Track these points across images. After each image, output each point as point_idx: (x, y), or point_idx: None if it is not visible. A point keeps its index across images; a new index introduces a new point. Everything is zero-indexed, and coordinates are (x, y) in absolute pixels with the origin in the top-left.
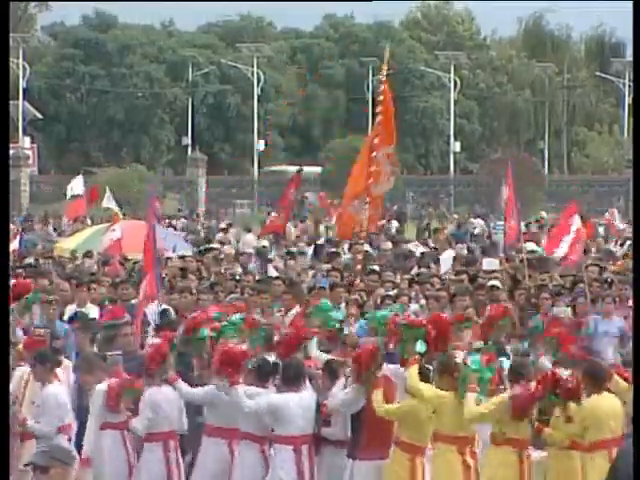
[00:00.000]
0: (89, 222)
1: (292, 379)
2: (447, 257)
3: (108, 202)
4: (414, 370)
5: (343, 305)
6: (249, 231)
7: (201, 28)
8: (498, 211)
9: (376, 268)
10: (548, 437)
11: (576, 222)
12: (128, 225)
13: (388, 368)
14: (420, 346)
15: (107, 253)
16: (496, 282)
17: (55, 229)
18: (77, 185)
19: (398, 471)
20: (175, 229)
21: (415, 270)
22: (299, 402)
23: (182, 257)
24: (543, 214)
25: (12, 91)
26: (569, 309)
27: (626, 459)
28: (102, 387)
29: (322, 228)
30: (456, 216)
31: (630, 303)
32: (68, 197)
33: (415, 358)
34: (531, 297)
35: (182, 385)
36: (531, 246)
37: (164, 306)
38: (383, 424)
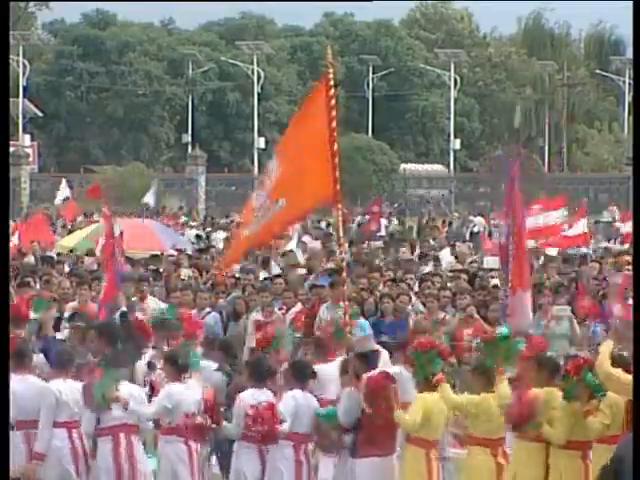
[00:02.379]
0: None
1: (299, 377)
2: (445, 255)
3: (149, 197)
4: (445, 388)
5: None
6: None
7: (201, 26)
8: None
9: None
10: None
11: (581, 225)
12: (127, 223)
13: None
14: (437, 364)
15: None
16: (497, 282)
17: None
18: (64, 190)
19: (415, 467)
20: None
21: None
22: (306, 400)
23: (179, 250)
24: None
25: (12, 89)
26: (568, 307)
27: (629, 450)
28: (52, 386)
29: (322, 225)
30: (457, 214)
31: (629, 301)
32: (58, 201)
33: (440, 377)
34: None
35: (137, 408)
36: (530, 244)
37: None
38: (380, 422)
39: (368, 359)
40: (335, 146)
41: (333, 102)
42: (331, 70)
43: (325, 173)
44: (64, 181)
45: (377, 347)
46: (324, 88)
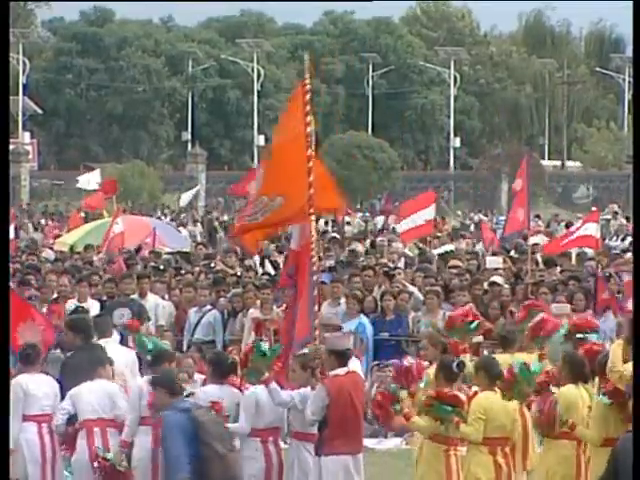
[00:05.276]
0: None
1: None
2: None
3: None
4: (464, 428)
5: (343, 300)
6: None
7: (201, 24)
8: (499, 206)
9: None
10: (579, 433)
11: (591, 228)
12: (129, 220)
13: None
14: (445, 410)
15: (110, 248)
16: (497, 278)
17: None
18: (95, 178)
19: (433, 463)
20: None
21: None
22: (268, 395)
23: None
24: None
25: (12, 86)
26: (568, 306)
27: (626, 452)
28: (19, 379)
29: (322, 223)
30: (459, 212)
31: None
32: (92, 185)
33: (457, 420)
34: (528, 293)
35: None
36: (534, 240)
37: None
38: (349, 419)
39: (341, 357)
40: (309, 151)
41: (308, 108)
42: (307, 77)
43: (304, 179)
44: (98, 170)
45: (351, 346)
46: (301, 95)
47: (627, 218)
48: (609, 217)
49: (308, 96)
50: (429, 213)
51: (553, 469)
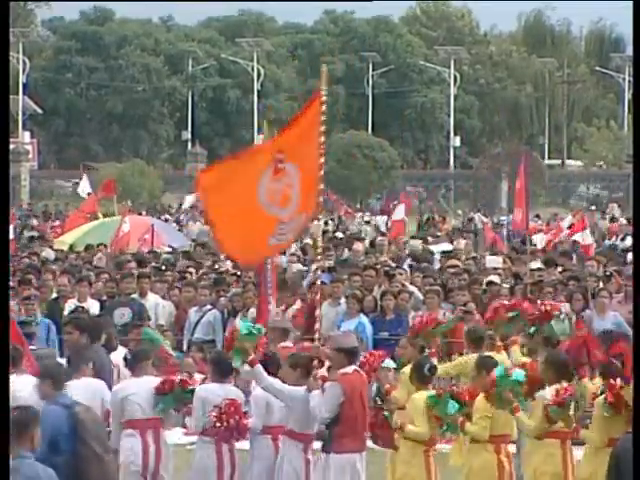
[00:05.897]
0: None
1: (273, 370)
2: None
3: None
4: (470, 427)
5: (343, 300)
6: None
7: (200, 23)
8: (499, 206)
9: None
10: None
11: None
12: (134, 220)
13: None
14: (452, 407)
15: (115, 248)
16: (495, 278)
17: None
18: (86, 184)
19: (413, 464)
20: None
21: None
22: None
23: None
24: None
25: (12, 86)
26: (568, 305)
27: (626, 452)
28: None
29: (321, 223)
30: (459, 212)
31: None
32: (83, 194)
33: (462, 420)
34: (527, 293)
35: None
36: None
37: None
38: (359, 417)
39: (350, 355)
40: (322, 159)
41: (324, 118)
42: (324, 87)
43: (313, 185)
44: (85, 176)
45: (357, 344)
46: (317, 105)
47: (612, 219)
48: (598, 216)
49: (324, 107)
50: (398, 214)
51: (541, 469)
